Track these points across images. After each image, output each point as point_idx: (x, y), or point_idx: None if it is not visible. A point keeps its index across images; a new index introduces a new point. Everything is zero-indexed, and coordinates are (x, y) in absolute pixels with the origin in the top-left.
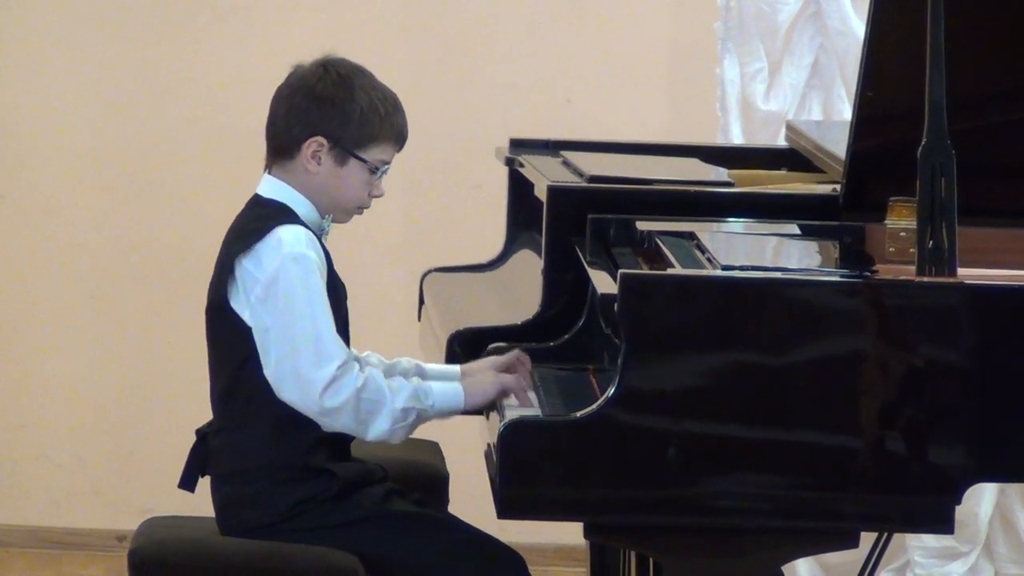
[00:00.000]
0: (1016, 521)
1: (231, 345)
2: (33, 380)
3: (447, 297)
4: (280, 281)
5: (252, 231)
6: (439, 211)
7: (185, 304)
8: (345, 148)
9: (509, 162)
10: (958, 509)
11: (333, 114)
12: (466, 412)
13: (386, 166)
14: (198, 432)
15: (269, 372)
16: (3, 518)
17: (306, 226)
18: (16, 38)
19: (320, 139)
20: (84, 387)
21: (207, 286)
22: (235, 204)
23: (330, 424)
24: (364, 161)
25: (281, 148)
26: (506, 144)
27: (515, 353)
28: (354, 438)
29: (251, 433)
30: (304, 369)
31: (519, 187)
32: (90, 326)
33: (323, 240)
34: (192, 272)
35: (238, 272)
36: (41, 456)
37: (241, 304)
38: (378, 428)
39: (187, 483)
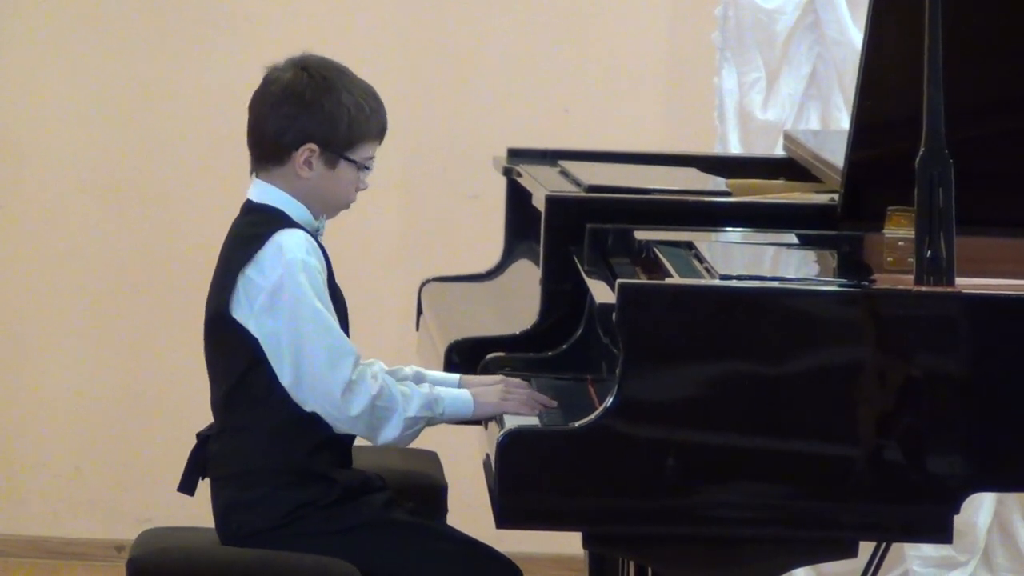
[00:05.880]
0: (1014, 531)
1: (233, 355)
2: (31, 390)
3: (445, 307)
4: (285, 288)
5: (251, 238)
6: (437, 220)
7: (184, 313)
8: (335, 151)
9: (507, 172)
10: (956, 519)
11: (323, 119)
12: (471, 421)
13: (371, 160)
14: (199, 435)
15: (286, 382)
16: (1, 528)
17: (303, 229)
18: (14, 48)
19: (312, 145)
20: (82, 397)
21: (206, 296)
22: (234, 213)
23: (344, 428)
24: (353, 162)
25: (269, 154)
26: (504, 154)
27: (531, 392)
28: (353, 441)
29: (252, 436)
30: (321, 373)
31: (517, 196)
32: (88, 335)
33: (320, 240)
34: (191, 281)
35: (240, 282)
36: (39, 466)
37: (244, 314)
38: (388, 435)
39: (187, 486)
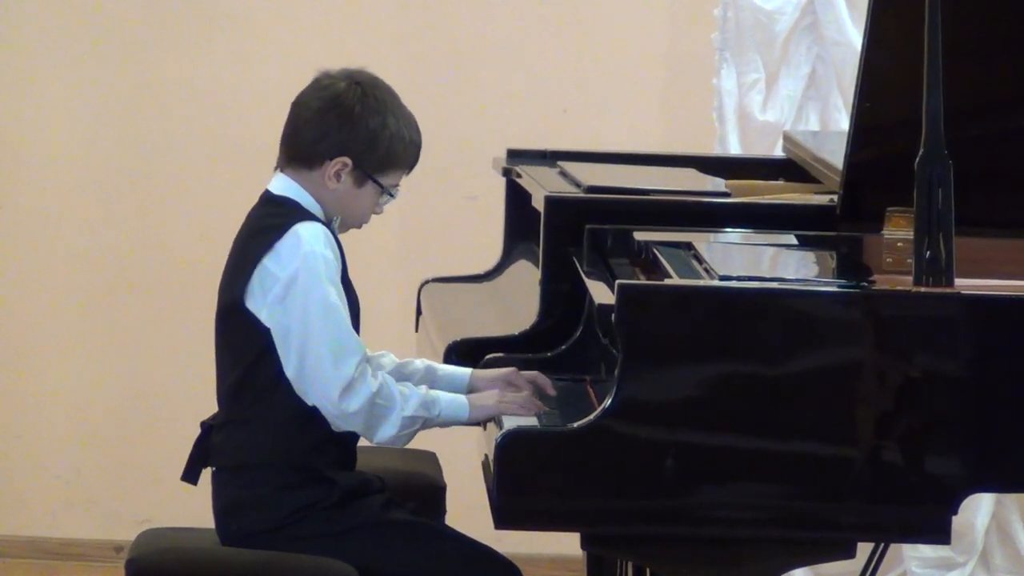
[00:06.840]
0: (1013, 531)
1: (243, 344)
2: (29, 391)
3: (445, 307)
4: (299, 280)
5: (269, 228)
6: (436, 221)
7: (183, 314)
8: (366, 172)
9: (506, 172)
10: (954, 519)
11: (366, 138)
12: (468, 424)
13: (396, 188)
14: (203, 424)
15: (290, 373)
16: (0, 529)
17: (321, 222)
18: (12, 47)
19: (346, 159)
20: (81, 398)
21: (204, 295)
22: (232, 213)
23: (342, 424)
24: (380, 185)
25: (301, 157)
26: (503, 154)
27: (534, 374)
28: (357, 439)
29: (256, 429)
30: (323, 368)
31: (516, 197)
32: (87, 336)
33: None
34: (189, 282)
35: (257, 272)
36: (38, 467)
37: (258, 304)
38: (385, 433)
39: (190, 475)
